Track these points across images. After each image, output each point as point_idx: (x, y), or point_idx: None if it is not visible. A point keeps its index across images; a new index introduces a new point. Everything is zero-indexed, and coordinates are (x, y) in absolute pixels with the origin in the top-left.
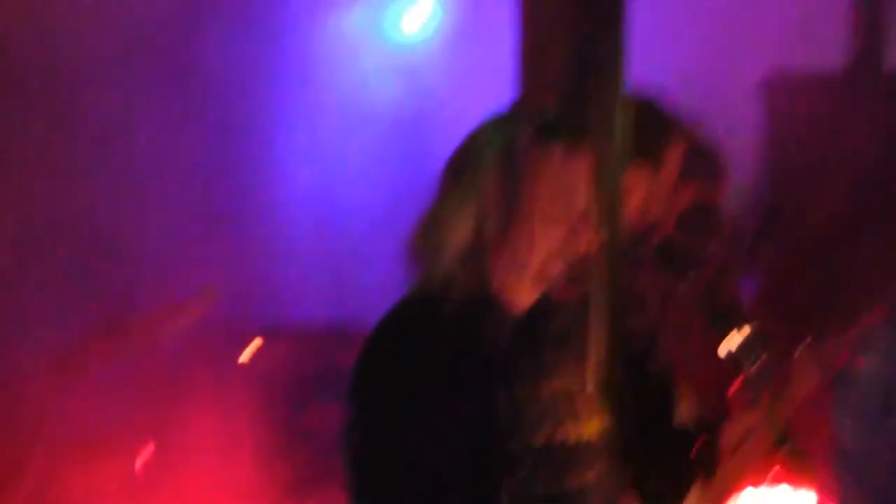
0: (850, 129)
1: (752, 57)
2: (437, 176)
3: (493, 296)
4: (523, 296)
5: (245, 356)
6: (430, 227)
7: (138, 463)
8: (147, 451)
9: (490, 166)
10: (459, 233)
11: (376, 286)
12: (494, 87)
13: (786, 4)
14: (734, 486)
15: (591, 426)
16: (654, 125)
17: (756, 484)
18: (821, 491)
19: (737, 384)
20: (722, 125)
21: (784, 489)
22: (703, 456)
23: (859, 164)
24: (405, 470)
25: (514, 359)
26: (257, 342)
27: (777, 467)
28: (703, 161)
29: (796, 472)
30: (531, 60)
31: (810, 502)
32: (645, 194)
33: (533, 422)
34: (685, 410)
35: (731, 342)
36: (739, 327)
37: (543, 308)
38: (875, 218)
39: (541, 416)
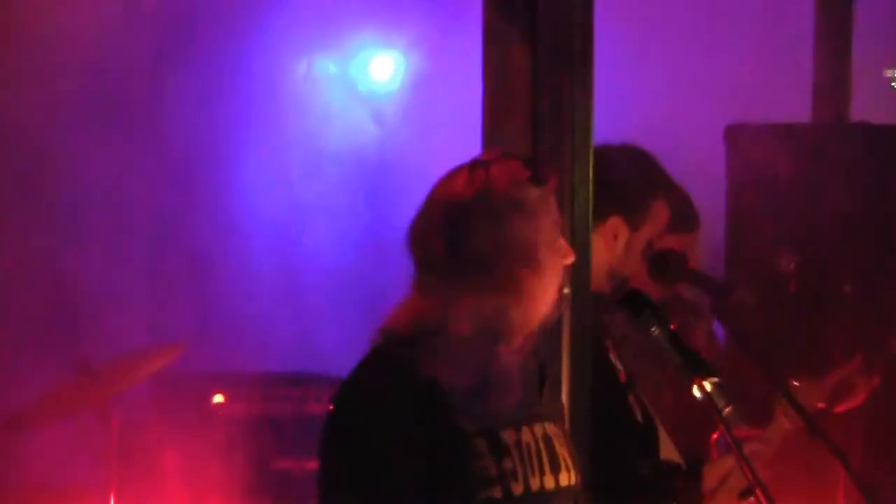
0: (815, 179)
1: (715, 106)
2: None
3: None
4: (515, 340)
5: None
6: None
7: None
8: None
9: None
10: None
11: (340, 337)
12: (459, 134)
13: (749, 56)
14: None
15: (564, 476)
16: (640, 178)
17: None
18: None
19: (717, 428)
20: (686, 174)
21: None
22: (683, 498)
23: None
24: None
25: (492, 404)
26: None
27: None
28: (682, 213)
29: None
30: (497, 110)
31: None
32: (624, 246)
33: (512, 469)
34: (665, 454)
35: (702, 388)
36: (707, 375)
37: (527, 360)
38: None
39: (520, 463)
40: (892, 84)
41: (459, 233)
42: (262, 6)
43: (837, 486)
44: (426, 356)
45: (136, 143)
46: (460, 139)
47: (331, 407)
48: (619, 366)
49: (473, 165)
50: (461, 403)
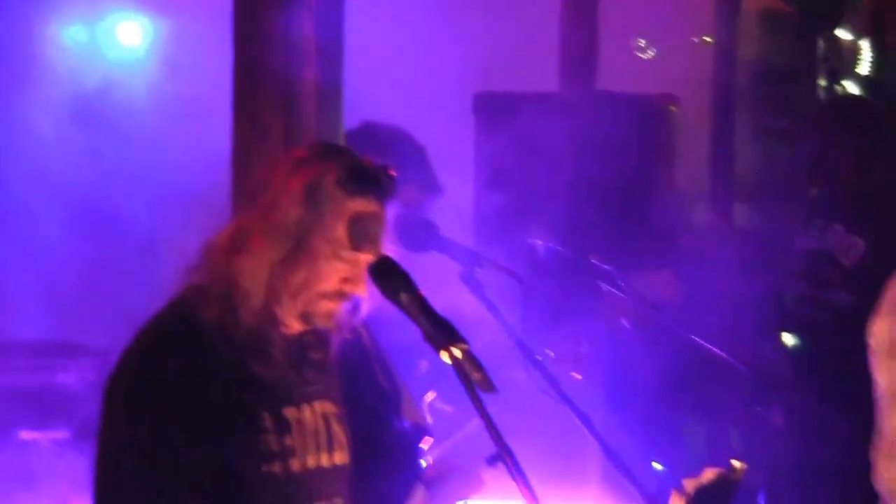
0: (563, 146)
1: (464, 75)
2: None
3: (273, 319)
4: (292, 321)
5: None
6: (228, 238)
7: None
8: None
9: (296, 197)
10: (261, 249)
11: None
12: (209, 98)
13: (498, 25)
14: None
15: (338, 454)
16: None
17: None
18: None
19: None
20: (435, 141)
21: None
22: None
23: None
24: (155, 490)
25: (277, 381)
26: None
27: None
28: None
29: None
30: (247, 75)
31: None
32: None
33: (292, 446)
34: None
35: (451, 355)
36: (456, 342)
37: (311, 340)
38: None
39: (300, 440)
40: (637, 54)
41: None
42: None
43: (586, 449)
44: (212, 322)
45: None
46: (210, 103)
47: (112, 371)
48: (365, 337)
49: (313, 149)
50: (247, 378)
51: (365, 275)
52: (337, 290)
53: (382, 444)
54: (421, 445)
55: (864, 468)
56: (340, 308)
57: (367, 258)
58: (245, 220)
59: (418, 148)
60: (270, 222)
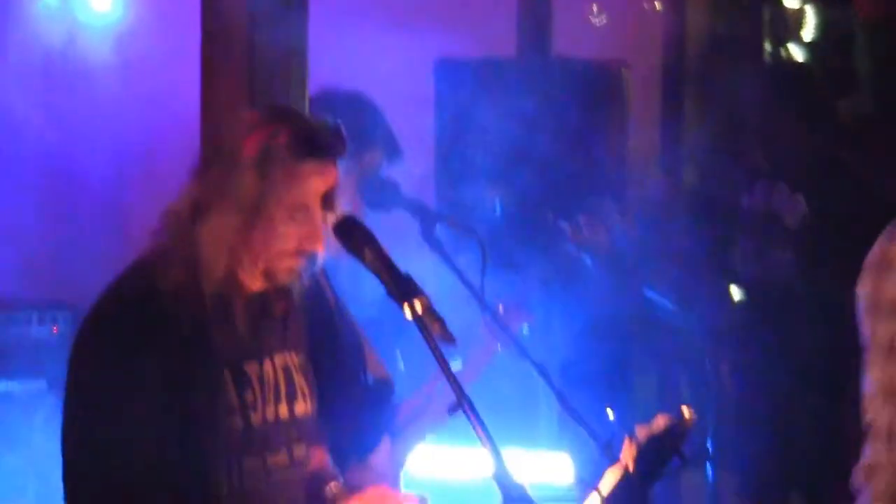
0: (520, 111)
1: (422, 42)
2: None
3: (235, 279)
4: (254, 281)
5: None
6: (188, 207)
7: None
8: None
9: (248, 164)
10: (219, 219)
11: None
12: (181, 63)
13: None
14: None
15: (300, 405)
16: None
17: None
18: None
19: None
20: (397, 106)
21: None
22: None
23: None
24: (120, 444)
25: (237, 337)
26: None
27: None
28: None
29: None
30: (215, 41)
31: None
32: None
33: (253, 401)
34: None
35: (412, 308)
36: (417, 295)
37: (272, 294)
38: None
39: (260, 394)
40: (591, 20)
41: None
42: None
43: (540, 397)
44: (175, 284)
45: None
46: (182, 67)
47: (77, 331)
48: (328, 291)
49: (263, 114)
50: (207, 337)
51: (322, 232)
52: (296, 249)
53: (348, 398)
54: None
55: (803, 416)
56: (301, 264)
57: (322, 216)
58: (202, 187)
59: (378, 112)
60: (226, 190)
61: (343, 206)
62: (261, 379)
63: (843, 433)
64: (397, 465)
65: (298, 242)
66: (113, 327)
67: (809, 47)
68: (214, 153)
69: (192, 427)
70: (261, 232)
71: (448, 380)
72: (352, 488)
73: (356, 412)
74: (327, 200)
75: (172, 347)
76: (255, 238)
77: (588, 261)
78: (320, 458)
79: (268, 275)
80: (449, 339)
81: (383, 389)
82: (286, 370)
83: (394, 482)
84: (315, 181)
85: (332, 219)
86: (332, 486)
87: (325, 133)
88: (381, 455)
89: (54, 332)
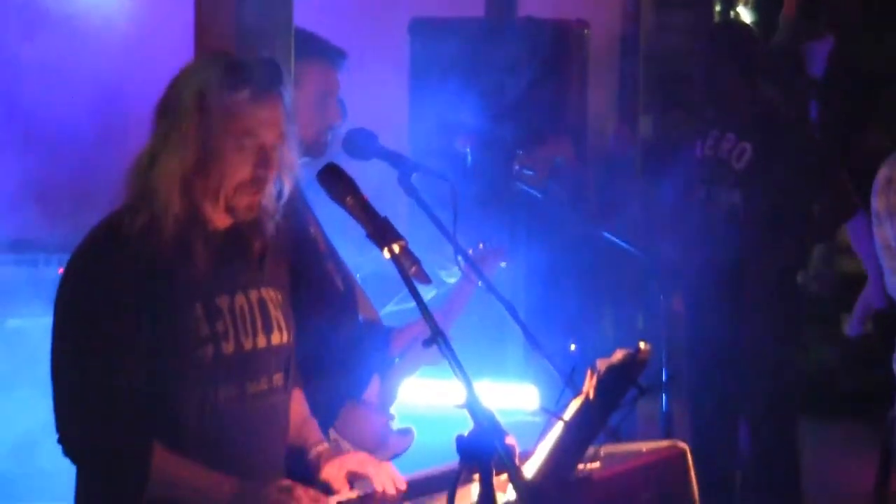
0: (488, 67)
1: (401, 4)
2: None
3: (198, 217)
4: (219, 218)
5: None
6: (145, 159)
7: None
8: None
9: (189, 108)
10: (169, 164)
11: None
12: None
13: None
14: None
15: (277, 335)
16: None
17: None
18: None
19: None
20: (373, 63)
21: None
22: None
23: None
24: (100, 369)
25: (210, 273)
26: None
27: None
28: None
29: None
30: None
31: None
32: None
33: (224, 331)
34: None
35: (391, 251)
36: (395, 239)
37: (240, 229)
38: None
39: (232, 325)
40: None
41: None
42: None
43: (509, 333)
44: (149, 226)
45: None
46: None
47: (64, 269)
48: (318, 238)
49: (197, 59)
50: (177, 275)
51: (272, 155)
52: (251, 178)
53: (340, 339)
54: (378, 341)
55: (750, 345)
56: (261, 197)
57: (267, 141)
58: (154, 137)
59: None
60: (173, 136)
61: (294, 136)
62: (232, 311)
63: (785, 361)
64: (387, 401)
65: (252, 171)
66: (87, 268)
67: (756, 10)
68: (161, 104)
69: (161, 355)
70: (214, 165)
71: (424, 316)
72: (336, 452)
73: (348, 353)
74: (274, 129)
75: (140, 284)
76: (210, 172)
77: (539, 195)
78: (304, 417)
79: (230, 210)
80: (424, 279)
81: (374, 331)
82: (261, 303)
83: (384, 420)
84: (254, 109)
85: (289, 160)
86: (318, 450)
87: (255, 65)
88: (371, 394)
89: (59, 273)
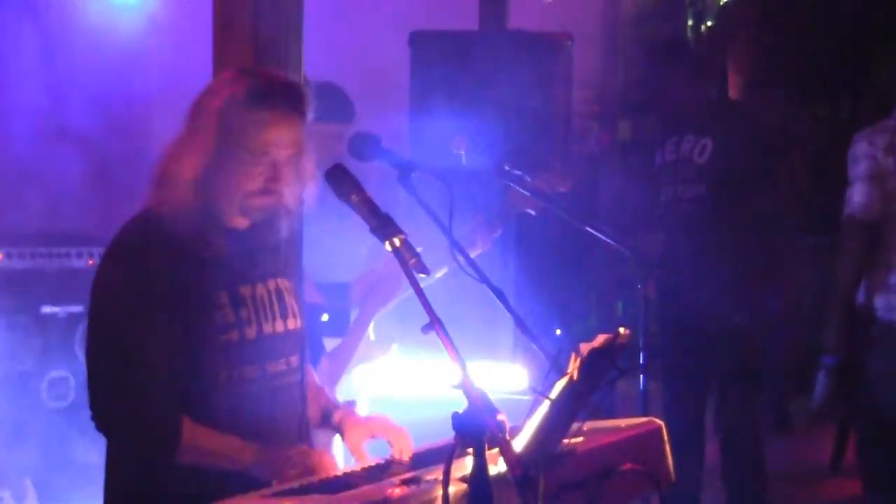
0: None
1: (401, 17)
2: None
3: (217, 217)
4: (236, 218)
5: None
6: (169, 156)
7: None
8: None
9: (211, 118)
10: (188, 165)
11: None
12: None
13: None
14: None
15: (291, 321)
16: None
17: None
18: None
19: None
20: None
21: None
22: None
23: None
24: (135, 351)
25: (233, 265)
26: None
27: None
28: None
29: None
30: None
31: None
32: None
33: (248, 317)
34: None
35: (393, 244)
36: (397, 233)
37: (258, 226)
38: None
39: (254, 312)
40: None
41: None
42: None
43: (500, 319)
44: (169, 229)
45: None
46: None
47: (100, 261)
48: None
49: (233, 72)
50: (205, 266)
51: (285, 172)
52: (262, 189)
53: None
54: (321, 319)
55: (720, 329)
56: (272, 202)
57: (280, 157)
58: (180, 142)
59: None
60: (194, 140)
61: (312, 160)
62: (254, 299)
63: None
64: (335, 378)
65: (264, 183)
66: (122, 259)
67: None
68: (192, 106)
69: (190, 338)
70: (227, 177)
71: (423, 303)
72: (351, 414)
73: None
74: (289, 147)
75: (171, 275)
76: (223, 182)
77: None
78: (317, 387)
79: (244, 213)
80: (423, 269)
81: (313, 313)
82: (278, 292)
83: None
84: (270, 130)
85: (305, 169)
86: (338, 415)
87: (282, 88)
88: (321, 372)
89: (90, 265)
